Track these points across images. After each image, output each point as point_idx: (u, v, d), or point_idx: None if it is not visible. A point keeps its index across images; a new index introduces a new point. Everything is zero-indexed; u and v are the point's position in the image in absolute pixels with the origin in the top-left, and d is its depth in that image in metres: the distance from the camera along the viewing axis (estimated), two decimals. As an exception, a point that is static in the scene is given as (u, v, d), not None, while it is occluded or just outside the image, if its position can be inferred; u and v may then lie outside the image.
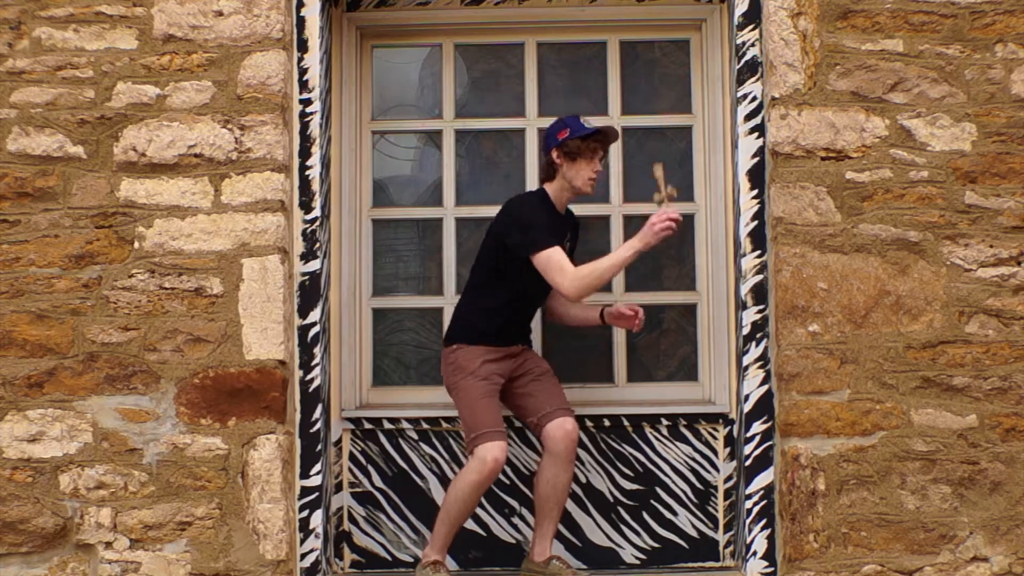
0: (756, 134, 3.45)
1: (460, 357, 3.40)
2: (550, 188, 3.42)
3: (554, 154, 3.36)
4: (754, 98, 3.47)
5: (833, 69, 3.42)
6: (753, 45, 3.48)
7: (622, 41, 3.86)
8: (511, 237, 3.36)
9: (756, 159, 3.44)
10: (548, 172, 3.44)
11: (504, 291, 3.41)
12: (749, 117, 3.46)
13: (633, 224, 3.87)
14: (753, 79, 3.46)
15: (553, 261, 3.32)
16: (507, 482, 3.66)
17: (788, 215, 3.38)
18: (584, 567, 3.63)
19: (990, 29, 3.46)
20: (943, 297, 3.36)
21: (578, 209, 3.78)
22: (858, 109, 3.38)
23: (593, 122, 3.61)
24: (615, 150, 3.83)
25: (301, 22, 3.48)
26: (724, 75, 3.68)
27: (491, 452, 3.31)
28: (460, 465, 3.63)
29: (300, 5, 3.50)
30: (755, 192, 3.45)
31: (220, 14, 3.42)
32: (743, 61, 3.45)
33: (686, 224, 3.91)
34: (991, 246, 3.35)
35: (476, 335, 3.45)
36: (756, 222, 3.45)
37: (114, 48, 3.48)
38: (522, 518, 3.67)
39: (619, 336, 3.82)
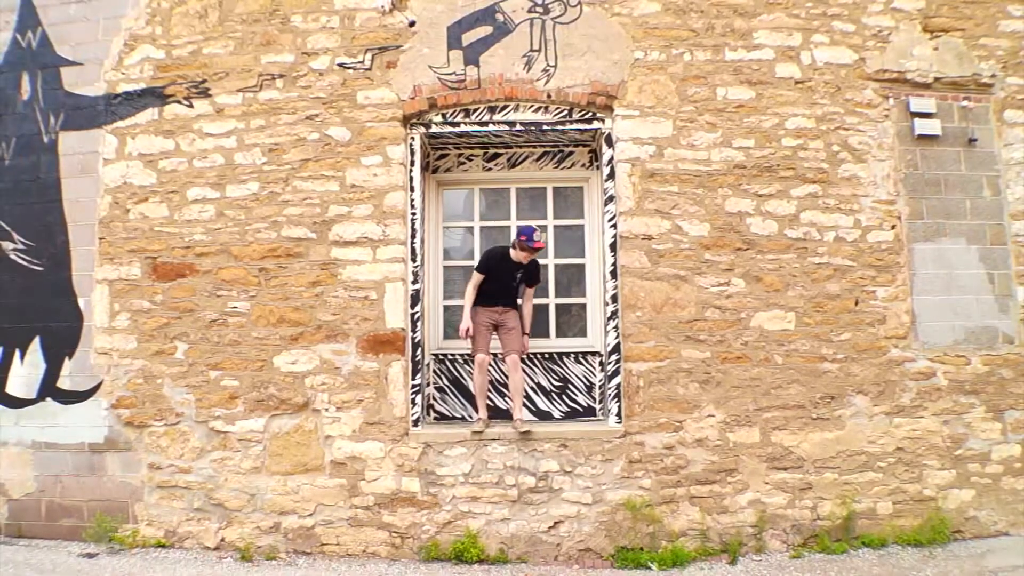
0: (613, 228, 5.51)
1: (474, 313, 5.48)
2: (512, 251, 5.48)
3: (516, 240, 5.46)
4: (612, 212, 5.52)
5: (646, 198, 5.50)
6: (611, 187, 5.56)
7: (554, 187, 6.20)
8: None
9: (613, 239, 5.51)
10: (513, 243, 5.47)
11: (486, 284, 5.37)
12: (610, 220, 5.51)
13: (564, 271, 5.89)
14: (611, 203, 5.51)
15: (472, 279, 5.30)
16: (502, 388, 5.90)
17: (628, 264, 5.41)
18: (535, 419, 5.89)
19: (715, 181, 5.55)
20: (695, 299, 5.46)
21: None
22: (658, 217, 5.49)
23: (537, 223, 5.64)
24: (550, 223, 5.89)
25: (411, 178, 5.66)
26: (598, 201, 5.80)
27: (477, 361, 5.42)
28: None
29: (411, 169, 5.64)
30: (613, 254, 5.49)
31: (375, 175, 5.63)
32: (607, 195, 5.53)
33: (581, 265, 5.82)
34: (716, 277, 5.52)
35: (479, 302, 5.44)
36: (613, 267, 5.48)
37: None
38: (506, 400, 5.82)
39: (552, 315, 5.95)
